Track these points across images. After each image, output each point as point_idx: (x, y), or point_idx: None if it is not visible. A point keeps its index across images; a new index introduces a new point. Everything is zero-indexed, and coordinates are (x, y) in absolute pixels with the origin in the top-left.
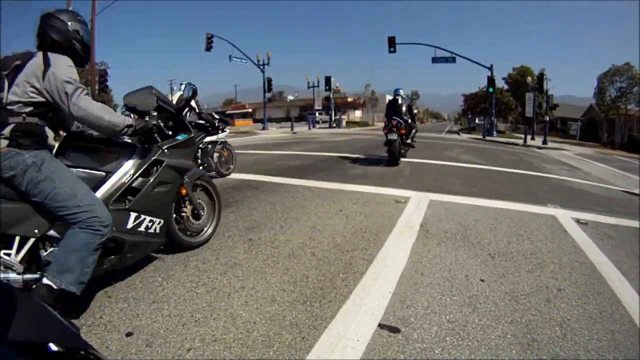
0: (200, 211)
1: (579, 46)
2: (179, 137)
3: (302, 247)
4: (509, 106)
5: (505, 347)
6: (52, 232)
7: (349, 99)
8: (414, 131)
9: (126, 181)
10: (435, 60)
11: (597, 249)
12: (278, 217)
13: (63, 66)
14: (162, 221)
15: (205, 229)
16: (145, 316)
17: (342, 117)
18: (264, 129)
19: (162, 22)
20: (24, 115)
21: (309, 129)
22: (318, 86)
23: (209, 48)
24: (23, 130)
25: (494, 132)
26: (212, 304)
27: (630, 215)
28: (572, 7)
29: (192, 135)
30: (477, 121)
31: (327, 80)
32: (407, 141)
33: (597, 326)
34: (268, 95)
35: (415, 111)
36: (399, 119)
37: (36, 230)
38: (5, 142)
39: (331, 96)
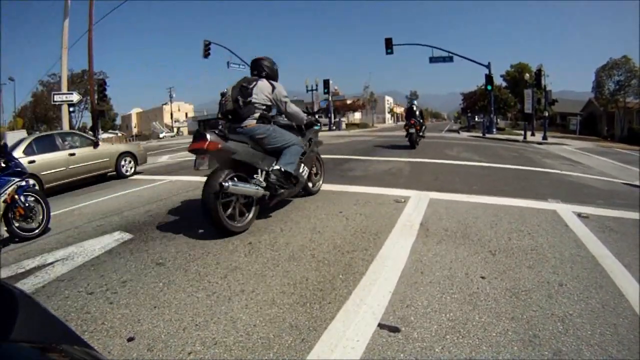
0: (319, 170)
1: (577, 42)
2: (316, 127)
3: (302, 250)
4: (508, 103)
5: (507, 344)
6: (271, 168)
7: (348, 101)
8: (423, 128)
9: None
10: (432, 60)
11: (598, 242)
12: (278, 220)
13: (281, 88)
14: (309, 172)
15: (319, 183)
16: (147, 321)
17: (342, 119)
18: None
19: (160, 31)
20: (263, 109)
21: None
22: (317, 89)
23: (206, 55)
24: (265, 116)
25: (494, 130)
26: (212, 308)
27: (631, 207)
28: (571, 5)
29: (320, 126)
30: (476, 119)
31: (326, 83)
32: (420, 134)
33: (599, 320)
34: None
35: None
36: (415, 119)
37: (266, 167)
38: (254, 121)
39: (330, 99)
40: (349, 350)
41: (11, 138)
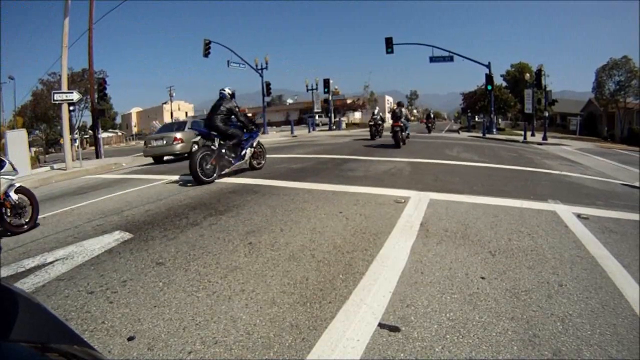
0: (408, 135)
1: (577, 42)
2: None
3: (302, 250)
4: (508, 103)
5: (506, 343)
6: (406, 132)
7: (348, 101)
8: (434, 125)
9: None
10: (433, 59)
11: (598, 243)
12: (278, 220)
13: (407, 110)
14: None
15: (408, 139)
16: (147, 320)
17: (342, 119)
18: (263, 133)
19: (160, 29)
20: (404, 116)
21: (309, 131)
22: (317, 89)
23: (207, 54)
24: (405, 119)
25: (494, 130)
26: (212, 308)
27: (631, 208)
28: (571, 5)
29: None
30: (476, 119)
31: (326, 82)
32: (432, 126)
33: (599, 320)
34: (267, 99)
35: (418, 115)
36: (430, 119)
37: (404, 131)
38: (402, 119)
39: (330, 98)
40: (349, 350)
41: (11, 137)
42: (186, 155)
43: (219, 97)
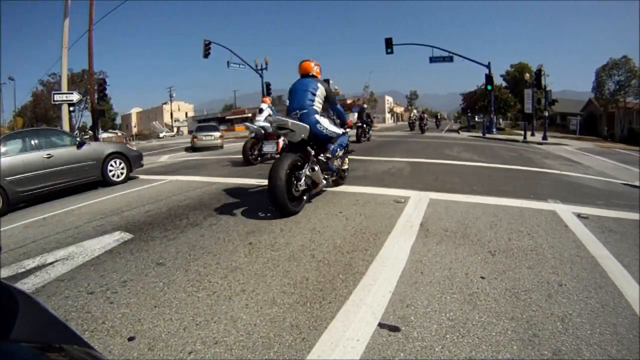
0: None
1: (577, 42)
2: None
3: (302, 250)
4: (508, 103)
5: (506, 343)
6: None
7: (348, 101)
8: (441, 123)
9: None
10: (432, 59)
11: (598, 242)
12: (278, 220)
13: (426, 115)
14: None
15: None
16: (147, 321)
17: None
18: None
19: (160, 30)
20: (427, 119)
21: None
22: None
23: (207, 55)
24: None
25: (494, 130)
26: (213, 308)
27: (631, 208)
28: (571, 5)
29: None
30: (476, 119)
31: (326, 82)
32: (439, 125)
33: (599, 320)
34: None
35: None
36: (437, 120)
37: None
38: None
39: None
40: (349, 350)
41: None
42: (220, 147)
43: (361, 107)
